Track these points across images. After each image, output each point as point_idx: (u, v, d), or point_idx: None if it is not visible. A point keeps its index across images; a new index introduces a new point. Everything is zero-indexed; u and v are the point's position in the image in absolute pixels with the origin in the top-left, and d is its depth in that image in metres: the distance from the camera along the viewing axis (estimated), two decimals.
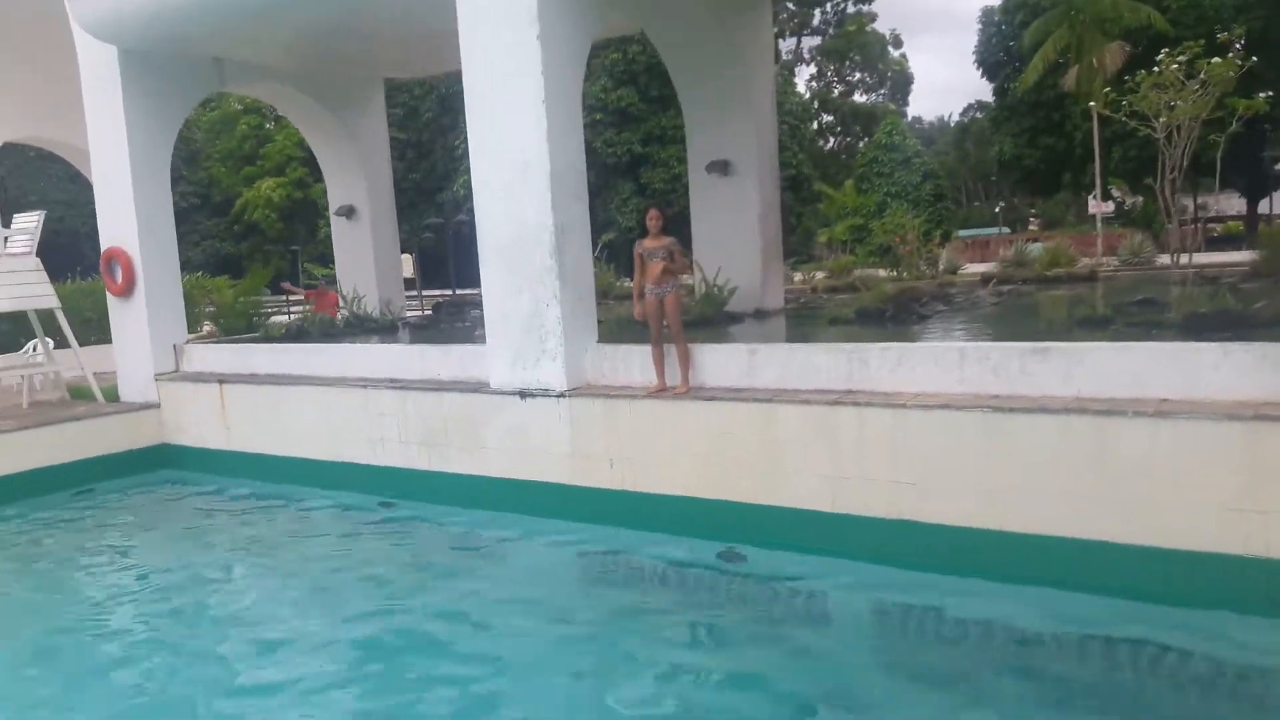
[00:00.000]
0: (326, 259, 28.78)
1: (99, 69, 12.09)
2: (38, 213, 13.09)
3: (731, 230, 12.42)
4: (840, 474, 7.31)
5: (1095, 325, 8.27)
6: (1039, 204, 53.31)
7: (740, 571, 7.38)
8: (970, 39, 37.63)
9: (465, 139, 9.34)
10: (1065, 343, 7.00)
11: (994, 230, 49.83)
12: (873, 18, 50.57)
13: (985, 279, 15.60)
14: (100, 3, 11.29)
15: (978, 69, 37.42)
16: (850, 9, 49.47)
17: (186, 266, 38.52)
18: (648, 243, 8.41)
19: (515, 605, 7.06)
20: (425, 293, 32.42)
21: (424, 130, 40.68)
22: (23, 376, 13.37)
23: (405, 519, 9.51)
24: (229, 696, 5.84)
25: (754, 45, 12.42)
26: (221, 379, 11.72)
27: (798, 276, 20.79)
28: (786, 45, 50.14)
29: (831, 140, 53.42)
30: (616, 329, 9.80)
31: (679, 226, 12.39)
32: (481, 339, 9.61)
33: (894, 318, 10.05)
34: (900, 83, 52.80)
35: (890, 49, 51.84)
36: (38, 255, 12.71)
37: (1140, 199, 33.99)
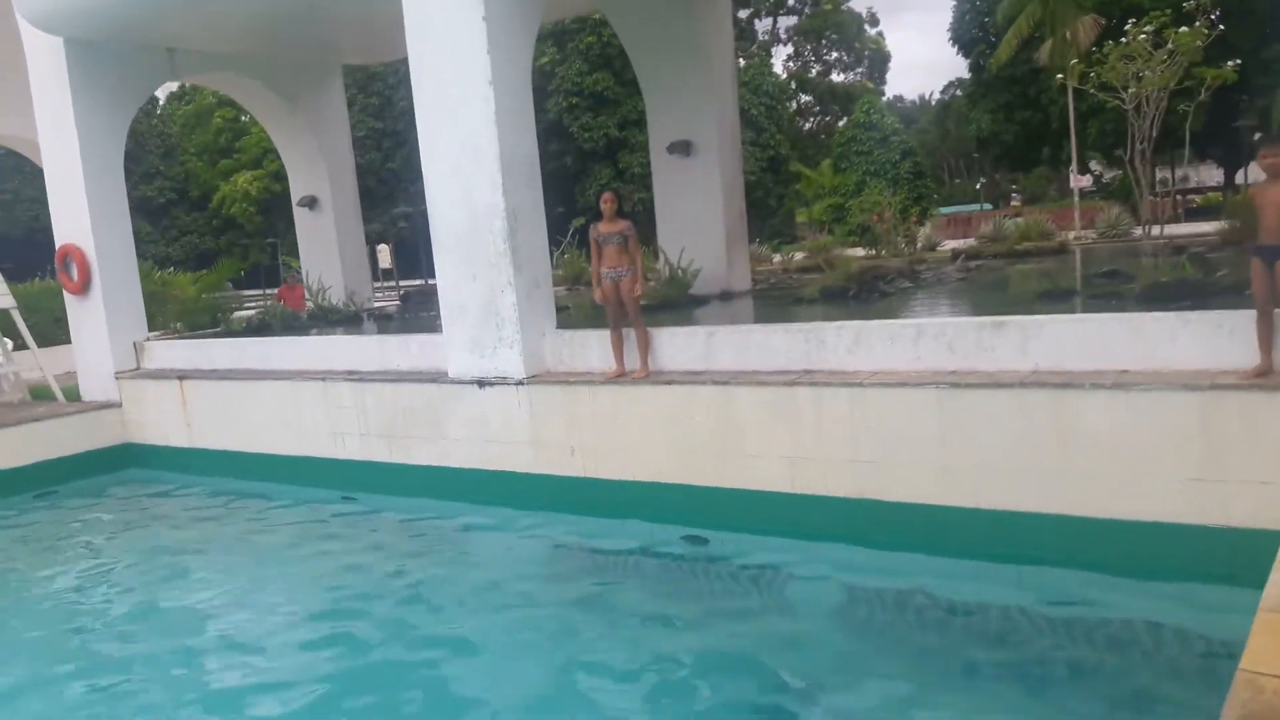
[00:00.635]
0: None
1: (44, 60, 11.79)
2: None
3: (695, 212, 12.27)
4: (800, 454, 7.22)
5: (1058, 298, 8.19)
6: (1020, 179, 53.33)
7: (703, 555, 7.32)
8: (949, 16, 37.36)
9: None
10: (1022, 316, 6.90)
11: (975, 207, 49.86)
12: None
13: (955, 254, 15.48)
14: None
15: (953, 45, 37.26)
16: None
17: (165, 262, 38.23)
18: (603, 227, 8.25)
19: (478, 593, 7.00)
20: (402, 283, 32.18)
21: (399, 119, 40.35)
22: None
23: (367, 512, 9.40)
24: (191, 694, 5.75)
25: (713, 23, 12.22)
26: (181, 375, 11.52)
27: (777, 257, 20.63)
28: (763, 25, 49.88)
29: (810, 120, 53.18)
30: (590, 314, 9.65)
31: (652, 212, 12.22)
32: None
33: (857, 296, 9.94)
34: (878, 61, 52.50)
35: (866, 27, 51.56)
36: None
37: (1119, 173, 33.98)
